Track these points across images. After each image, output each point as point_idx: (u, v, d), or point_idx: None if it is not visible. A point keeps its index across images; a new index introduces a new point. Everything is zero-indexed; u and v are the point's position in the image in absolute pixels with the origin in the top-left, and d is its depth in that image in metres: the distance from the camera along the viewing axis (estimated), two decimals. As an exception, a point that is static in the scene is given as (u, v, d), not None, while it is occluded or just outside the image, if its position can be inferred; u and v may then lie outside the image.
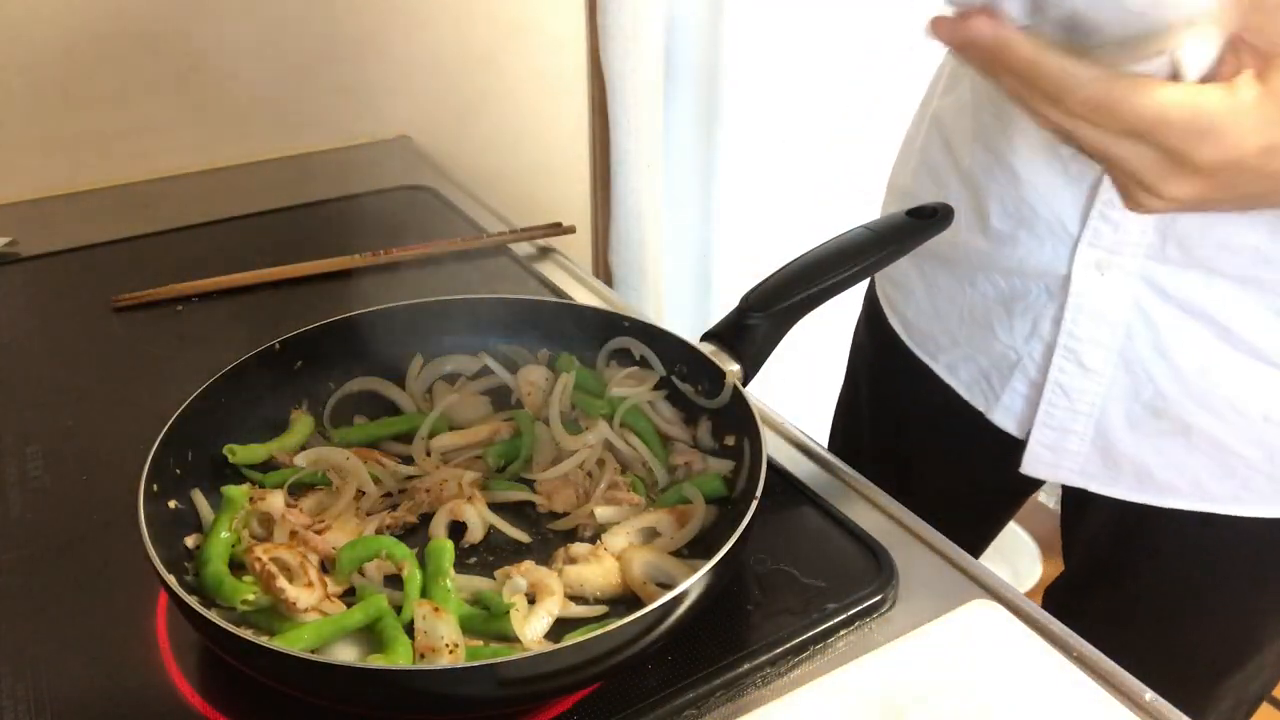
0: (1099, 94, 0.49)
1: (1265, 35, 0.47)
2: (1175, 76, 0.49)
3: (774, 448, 0.81)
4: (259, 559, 0.61)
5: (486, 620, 0.61)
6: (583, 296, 1.03)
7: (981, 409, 0.89)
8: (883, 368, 1.03)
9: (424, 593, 0.62)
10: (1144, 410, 0.78)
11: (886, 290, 1.00)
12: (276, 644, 0.55)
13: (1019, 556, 2.08)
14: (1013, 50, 0.50)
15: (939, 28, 0.52)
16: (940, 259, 0.88)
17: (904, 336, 0.96)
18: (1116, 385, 0.78)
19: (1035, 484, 0.97)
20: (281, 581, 0.59)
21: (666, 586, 0.61)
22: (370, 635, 0.60)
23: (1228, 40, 0.49)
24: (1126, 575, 0.89)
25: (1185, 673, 0.85)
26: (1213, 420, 0.76)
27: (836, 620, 0.63)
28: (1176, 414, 0.77)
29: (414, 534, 0.70)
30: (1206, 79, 0.49)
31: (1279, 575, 0.82)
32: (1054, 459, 0.84)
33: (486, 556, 0.69)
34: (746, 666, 0.60)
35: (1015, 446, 0.86)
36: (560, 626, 0.61)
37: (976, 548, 1.08)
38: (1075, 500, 0.92)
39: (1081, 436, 0.82)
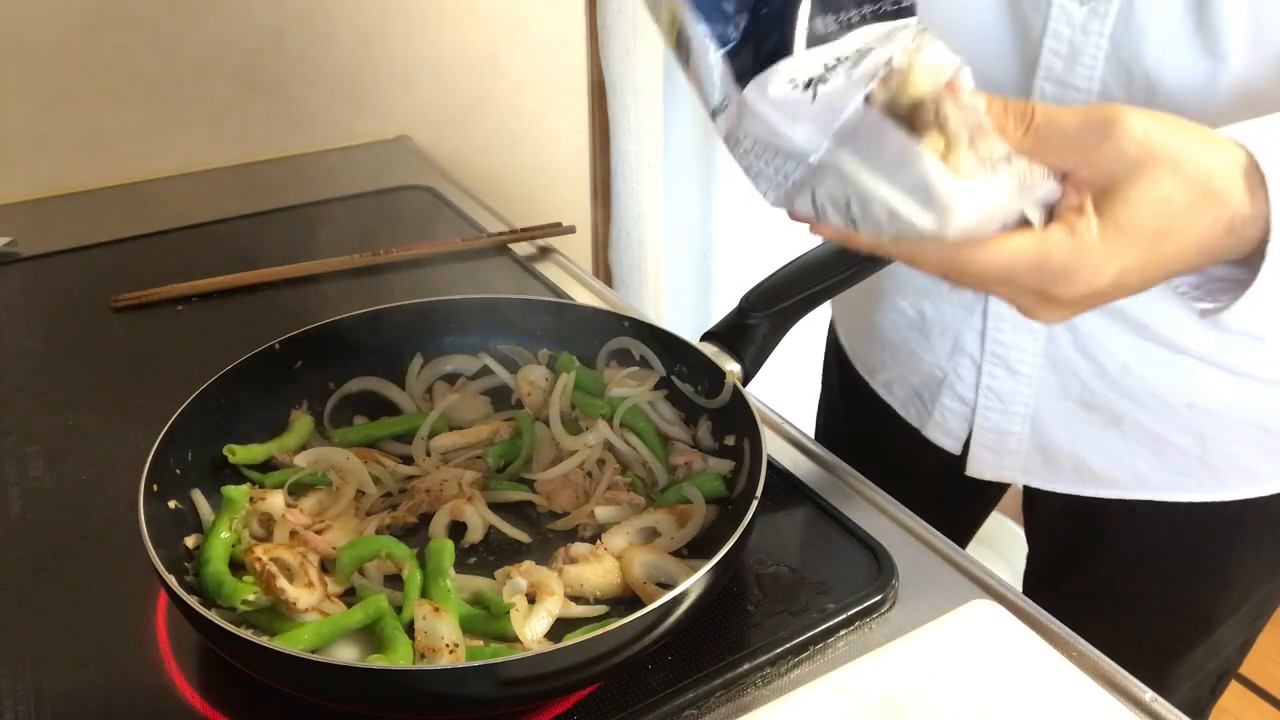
0: (946, 259, 0.51)
1: (1092, 169, 0.49)
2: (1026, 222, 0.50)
3: (774, 448, 0.81)
4: (259, 559, 0.61)
5: (486, 620, 0.61)
6: (583, 296, 1.03)
7: (917, 425, 0.91)
8: (841, 382, 1.04)
9: (424, 593, 0.62)
10: (1075, 406, 0.80)
11: (834, 308, 1.01)
12: (277, 644, 0.55)
13: (1018, 556, 2.08)
14: (855, 240, 0.53)
15: (795, 216, 0.56)
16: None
17: (850, 355, 0.98)
18: (1046, 385, 0.80)
19: (998, 486, 0.98)
20: (282, 581, 0.59)
21: (666, 586, 0.61)
22: (370, 635, 0.60)
23: (1061, 179, 0.50)
24: (1080, 560, 0.91)
25: (1140, 653, 0.87)
26: (1140, 411, 0.78)
27: (836, 620, 0.63)
28: (1105, 407, 0.79)
29: (414, 534, 0.70)
30: (1054, 210, 0.51)
31: (1226, 555, 0.84)
32: (996, 460, 0.86)
33: (486, 556, 0.69)
34: (746, 666, 0.60)
35: (959, 456, 0.88)
36: (560, 626, 0.61)
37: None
38: (1029, 491, 0.93)
39: (1019, 437, 0.84)
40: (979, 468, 0.88)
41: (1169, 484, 0.80)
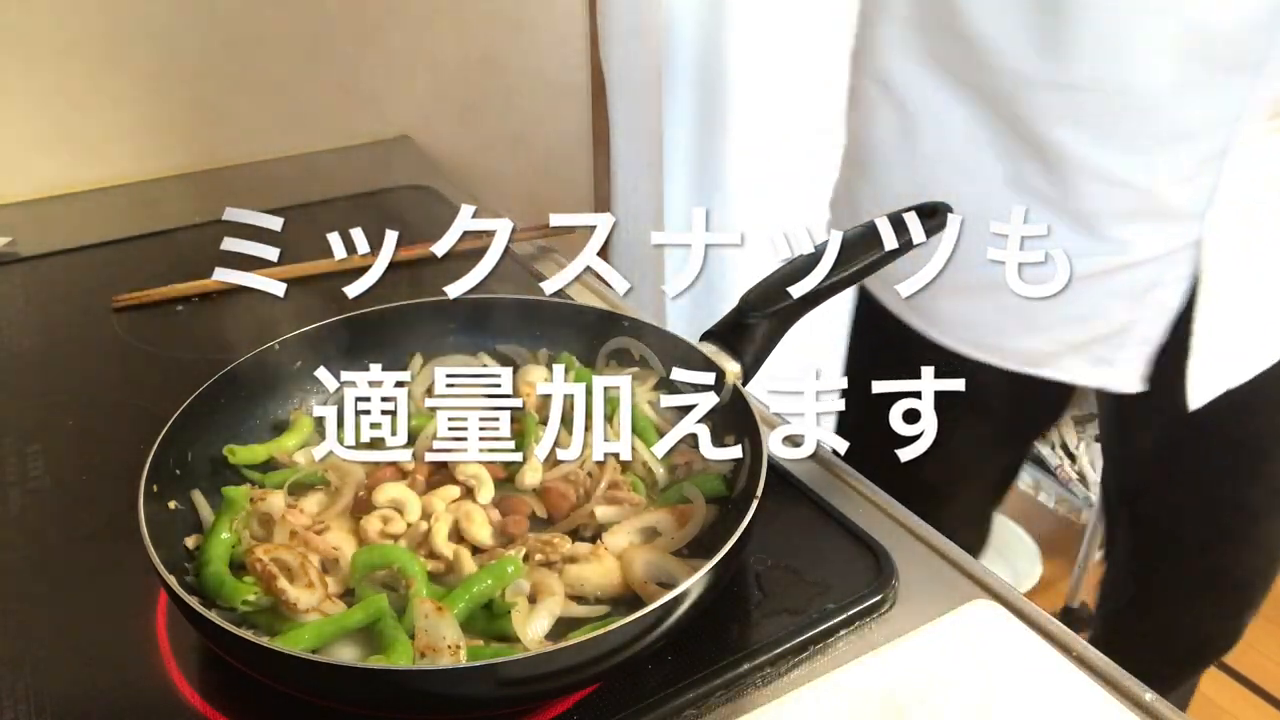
0: None
1: None
2: None
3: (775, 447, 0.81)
4: (259, 559, 0.61)
5: (487, 620, 0.61)
6: (583, 296, 1.03)
7: (1083, 382, 0.86)
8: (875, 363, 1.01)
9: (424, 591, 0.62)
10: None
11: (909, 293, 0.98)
12: (277, 644, 0.55)
13: (1019, 557, 2.08)
14: None
15: None
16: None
17: (935, 335, 0.92)
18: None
19: (1021, 456, 0.94)
20: (282, 582, 0.59)
21: (667, 586, 0.61)
22: (370, 635, 0.60)
23: None
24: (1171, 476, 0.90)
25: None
26: None
27: (836, 620, 0.63)
28: None
29: (414, 534, 0.70)
30: None
31: (1272, 436, 0.84)
32: (1216, 376, 0.81)
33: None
34: (746, 666, 0.60)
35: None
36: (560, 626, 0.61)
37: (973, 548, 1.08)
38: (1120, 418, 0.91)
39: (1244, 337, 0.79)
40: (1201, 394, 0.81)
41: None
